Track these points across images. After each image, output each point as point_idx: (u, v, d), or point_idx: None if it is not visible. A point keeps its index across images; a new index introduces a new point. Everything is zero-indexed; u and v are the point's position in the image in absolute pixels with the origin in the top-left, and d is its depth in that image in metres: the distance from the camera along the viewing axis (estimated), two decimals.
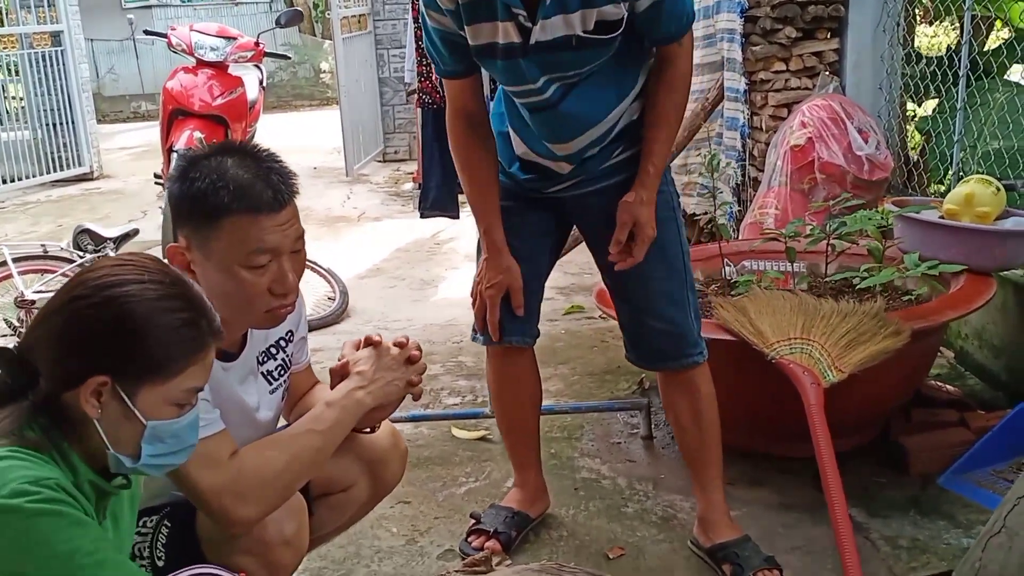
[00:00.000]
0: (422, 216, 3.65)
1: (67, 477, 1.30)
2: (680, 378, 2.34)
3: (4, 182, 8.31)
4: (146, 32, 5.85)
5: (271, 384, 1.90)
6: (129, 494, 1.49)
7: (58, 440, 1.32)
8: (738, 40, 4.18)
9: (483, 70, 2.24)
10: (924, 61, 4.23)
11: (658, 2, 1.99)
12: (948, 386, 3.07)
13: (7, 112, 8.88)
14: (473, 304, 2.37)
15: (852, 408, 2.60)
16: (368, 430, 1.94)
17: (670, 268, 2.25)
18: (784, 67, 4.08)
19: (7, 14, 8.21)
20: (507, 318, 2.37)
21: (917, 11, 4.70)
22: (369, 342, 1.86)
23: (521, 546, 2.47)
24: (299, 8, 6.21)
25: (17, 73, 8.74)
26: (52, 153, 8.72)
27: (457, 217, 3.66)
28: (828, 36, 4.07)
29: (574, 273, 4.91)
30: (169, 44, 5.51)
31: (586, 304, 4.44)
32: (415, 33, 3.23)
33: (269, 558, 1.71)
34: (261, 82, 5.63)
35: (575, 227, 2.45)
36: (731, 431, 2.86)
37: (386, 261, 5.56)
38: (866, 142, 3.69)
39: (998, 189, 2.86)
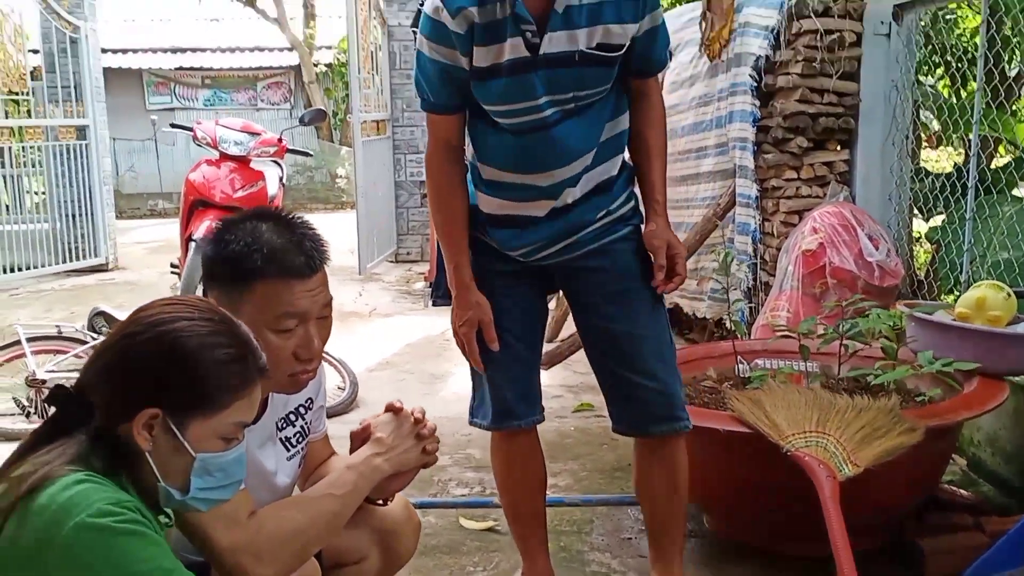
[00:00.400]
0: (433, 305, 3.71)
1: None
2: (665, 447, 2.36)
3: (18, 269, 8.42)
4: (172, 125, 6.01)
5: (289, 451, 1.92)
6: None
7: (117, 472, 1.37)
8: (750, 148, 4.29)
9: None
10: (931, 177, 4.34)
11: (655, 28, 2.15)
12: (962, 491, 3.05)
13: (27, 204, 9.03)
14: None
15: (866, 509, 2.58)
16: (381, 502, 1.95)
17: (659, 327, 2.31)
18: (795, 175, 4.18)
19: (36, 107, 8.45)
20: (512, 400, 2.38)
21: (922, 135, 4.83)
22: (390, 408, 1.89)
23: None
24: (322, 108, 6.36)
25: (39, 165, 8.92)
26: (69, 244, 8.85)
27: None
28: (838, 148, 4.18)
29: (583, 372, 4.92)
30: (194, 137, 5.65)
31: (595, 402, 4.44)
32: None
33: None
34: (281, 179, 5.75)
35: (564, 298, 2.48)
36: (742, 527, 2.85)
37: (396, 355, 5.58)
38: (877, 249, 3.76)
39: (1009, 295, 2.90)
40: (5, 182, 8.79)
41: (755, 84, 4.23)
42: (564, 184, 2.20)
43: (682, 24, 5.13)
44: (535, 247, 2.28)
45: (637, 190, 2.36)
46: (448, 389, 4.85)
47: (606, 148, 2.23)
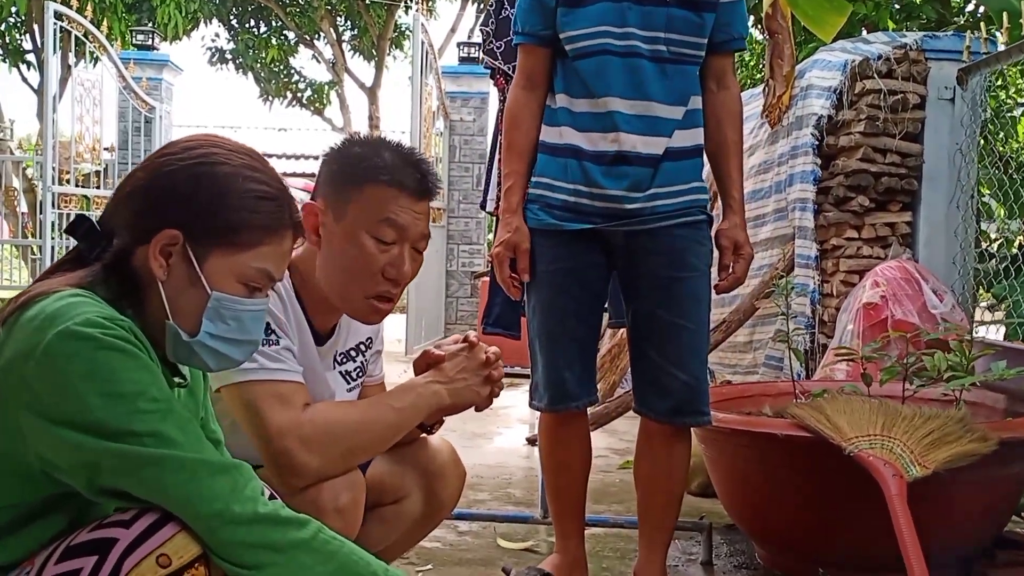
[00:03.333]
0: (484, 332, 3.62)
1: None
2: (674, 436, 2.35)
3: None
4: None
5: (348, 383, 1.91)
6: (188, 407, 1.40)
7: (124, 309, 1.28)
8: (810, 208, 4.24)
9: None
10: (995, 260, 4.23)
11: (737, 2, 2.27)
12: None
13: None
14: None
15: (934, 539, 2.40)
16: (429, 428, 1.91)
17: (701, 321, 2.32)
18: (856, 234, 4.10)
19: (105, 179, 8.74)
20: (570, 380, 2.36)
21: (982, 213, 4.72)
22: (465, 340, 1.83)
23: None
24: None
25: None
26: None
27: (518, 338, 3.62)
28: (900, 208, 4.11)
29: (629, 440, 4.78)
30: None
31: None
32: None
33: None
34: None
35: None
36: (797, 555, 2.67)
37: None
38: (941, 301, 3.64)
39: None
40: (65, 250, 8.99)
41: (816, 143, 4.22)
42: (652, 124, 2.21)
43: (744, 101, 5.18)
44: (620, 195, 2.24)
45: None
46: (490, 445, 4.76)
47: (692, 116, 2.29)
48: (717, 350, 4.75)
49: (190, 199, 1.30)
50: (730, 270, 2.34)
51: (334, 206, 1.72)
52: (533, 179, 2.34)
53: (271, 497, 1.30)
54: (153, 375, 1.22)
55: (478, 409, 1.84)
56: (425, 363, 1.80)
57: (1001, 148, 4.44)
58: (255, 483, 1.27)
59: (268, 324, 1.64)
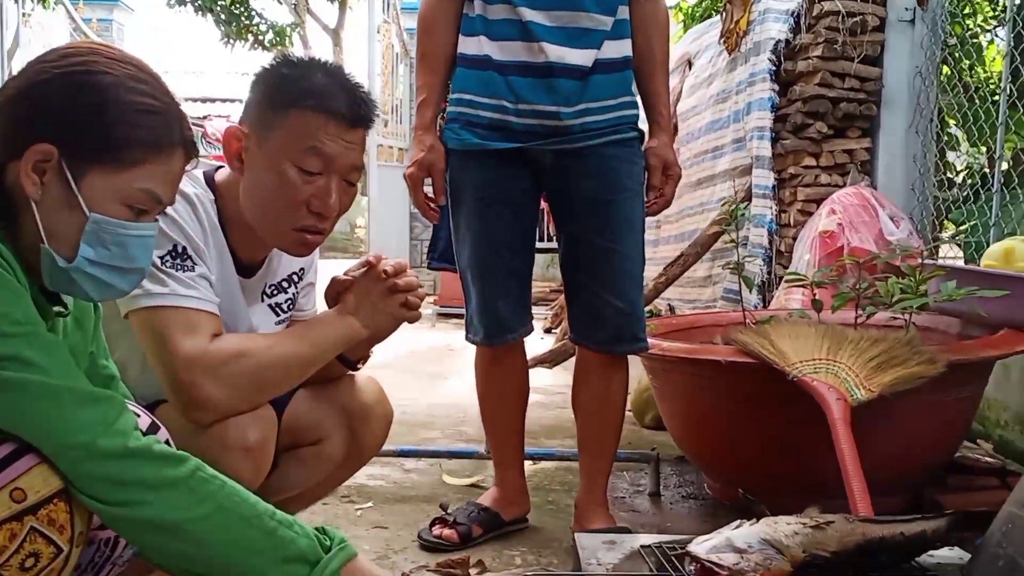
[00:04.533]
0: (430, 268, 3.53)
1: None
2: (611, 364, 2.27)
3: None
4: None
5: (277, 316, 1.80)
6: (73, 340, 1.30)
7: None
8: (768, 136, 4.15)
9: None
10: (956, 188, 4.15)
11: None
12: (987, 457, 2.81)
13: None
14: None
15: (883, 465, 2.34)
16: (355, 363, 1.81)
17: (635, 244, 2.23)
18: (814, 162, 4.01)
19: None
20: (506, 313, 2.29)
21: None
22: (366, 263, 1.69)
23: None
24: None
25: None
26: None
27: None
28: (859, 135, 4.02)
29: None
30: (204, 135, 5.59)
31: None
32: None
33: (224, 465, 1.47)
34: None
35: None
36: (744, 485, 2.62)
37: (398, 359, 5.43)
38: (898, 228, 3.57)
39: None
40: None
41: (774, 69, 4.11)
42: (579, 35, 2.10)
43: (705, 29, 5.07)
44: (549, 111, 2.13)
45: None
46: (447, 384, 4.71)
47: (621, 27, 2.19)
48: (675, 285, 4.68)
49: (65, 111, 1.18)
50: (660, 191, 2.27)
51: (258, 131, 1.59)
52: (453, 96, 2.22)
53: (148, 432, 1.21)
54: (17, 296, 1.13)
55: (409, 322, 1.70)
56: (336, 291, 1.69)
57: (968, 77, 4.33)
58: (127, 416, 1.18)
59: (184, 249, 1.55)
